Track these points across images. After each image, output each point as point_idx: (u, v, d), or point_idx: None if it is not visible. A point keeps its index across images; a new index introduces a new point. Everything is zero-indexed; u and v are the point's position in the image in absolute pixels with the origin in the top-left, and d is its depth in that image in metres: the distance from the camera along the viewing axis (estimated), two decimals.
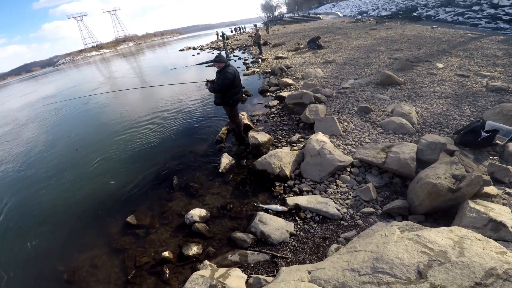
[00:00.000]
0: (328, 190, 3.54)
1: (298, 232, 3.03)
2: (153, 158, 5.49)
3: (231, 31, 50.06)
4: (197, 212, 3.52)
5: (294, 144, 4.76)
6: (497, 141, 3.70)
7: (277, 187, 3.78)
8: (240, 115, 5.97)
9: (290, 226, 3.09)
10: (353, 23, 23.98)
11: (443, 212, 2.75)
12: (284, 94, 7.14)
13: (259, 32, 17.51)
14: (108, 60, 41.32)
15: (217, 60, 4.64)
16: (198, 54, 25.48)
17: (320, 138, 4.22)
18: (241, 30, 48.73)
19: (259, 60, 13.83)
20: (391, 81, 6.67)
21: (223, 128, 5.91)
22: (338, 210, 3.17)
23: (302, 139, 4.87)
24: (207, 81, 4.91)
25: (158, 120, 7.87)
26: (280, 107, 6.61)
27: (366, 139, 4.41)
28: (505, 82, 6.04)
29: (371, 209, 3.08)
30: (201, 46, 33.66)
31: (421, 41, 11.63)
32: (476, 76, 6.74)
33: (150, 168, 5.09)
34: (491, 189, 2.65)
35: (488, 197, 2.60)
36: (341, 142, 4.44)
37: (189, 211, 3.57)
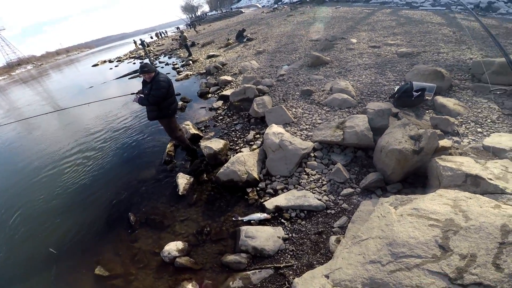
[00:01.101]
0: (301, 182, 3.30)
1: (290, 235, 2.71)
2: (95, 197, 4.40)
3: (151, 37, 46.10)
4: (173, 247, 2.87)
5: (252, 143, 4.39)
6: (427, 97, 4.02)
7: (250, 194, 3.37)
8: (182, 126, 5.28)
9: (279, 231, 2.75)
10: (272, 12, 24.66)
11: (413, 175, 2.78)
12: (227, 92, 6.64)
13: (185, 34, 16.29)
14: (3, 89, 33.25)
15: (145, 71, 3.85)
16: (116, 66, 22.49)
17: (276, 131, 3.93)
18: (162, 35, 45.32)
19: (190, 62, 12.85)
20: (320, 61, 6.82)
21: (168, 145, 5.11)
22: (319, 200, 2.96)
23: (258, 135, 4.53)
24: (135, 93, 4.08)
25: (87, 149, 6.33)
26: (226, 107, 6.12)
27: (317, 120, 4.32)
28: (409, 48, 6.79)
29: (350, 189, 2.95)
30: (119, 57, 29.90)
31: (331, 21, 12.44)
32: (385, 45, 7.43)
33: (95, 209, 4.06)
34: (445, 142, 2.77)
35: (446, 150, 2.70)
36: (296, 129, 4.26)
37: (162, 247, 2.91)
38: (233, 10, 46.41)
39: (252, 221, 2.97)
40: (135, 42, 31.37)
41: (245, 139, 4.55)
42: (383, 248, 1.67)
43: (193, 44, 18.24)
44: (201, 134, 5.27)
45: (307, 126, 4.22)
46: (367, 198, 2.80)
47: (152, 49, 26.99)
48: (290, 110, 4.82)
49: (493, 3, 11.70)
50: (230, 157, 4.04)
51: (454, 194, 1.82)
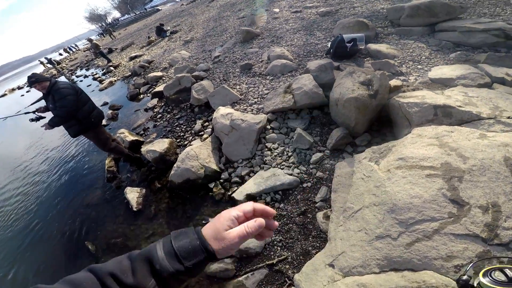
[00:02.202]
0: (266, 160, 2.83)
1: None
2: (42, 234, 3.45)
3: (60, 54, 38.89)
4: None
5: (202, 133, 3.71)
6: (360, 47, 3.86)
7: (214, 189, 2.78)
8: (117, 135, 4.28)
9: None
10: (192, 3, 22.66)
11: (377, 122, 2.54)
12: (160, 88, 5.66)
13: (95, 41, 13.80)
14: None
15: (33, 81, 2.79)
16: (28, 92, 18.41)
17: (224, 112, 3.33)
18: (73, 50, 38.68)
19: (112, 68, 10.95)
20: (251, 35, 6.28)
21: (107, 161, 4.09)
22: (290, 174, 2.54)
23: (207, 123, 3.86)
24: (34, 112, 2.99)
25: (17, 188, 4.90)
26: (162, 103, 5.19)
27: (264, 91, 3.84)
28: (327, 7, 6.69)
29: (319, 154, 2.59)
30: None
31: None
32: (305, 9, 7.22)
33: (47, 247, 3.20)
34: (395, 82, 2.57)
35: (398, 89, 2.51)
36: (245, 105, 3.72)
37: None
38: (148, 9, 41.88)
39: None
40: (42, 63, 25.91)
41: (193, 131, 3.84)
42: (386, 218, 1.29)
43: (110, 51, 15.79)
44: (141, 139, 4.34)
45: (256, 100, 3.72)
46: (340, 159, 2.48)
47: (64, 65, 22.71)
48: (234, 88, 4.22)
49: None
50: None
51: (432, 130, 1.55)
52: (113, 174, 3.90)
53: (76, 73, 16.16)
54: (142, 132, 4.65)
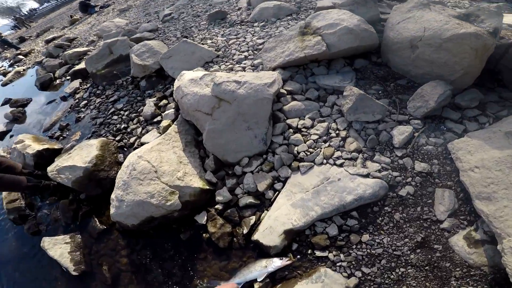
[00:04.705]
0: (299, 151, 1.41)
1: (364, 277, 1.14)
2: None
3: None
4: None
5: (159, 118, 2.06)
6: None
7: (210, 227, 1.30)
8: (13, 146, 2.40)
9: (337, 279, 0.89)
10: None
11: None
12: (81, 65, 3.70)
13: None
14: None
15: None
16: None
17: (194, 76, 1.79)
18: None
19: (21, 57, 8.12)
20: None
21: (4, 202, 2.18)
22: (366, 175, 1.25)
23: (165, 100, 2.21)
24: None
25: None
26: (88, 84, 3.30)
27: (256, 41, 2.34)
28: None
29: (405, 128, 1.34)
30: None
31: None
32: None
33: None
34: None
35: None
36: (228, 63, 2.19)
37: None
38: None
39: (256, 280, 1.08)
40: None
41: (141, 118, 2.16)
42: None
43: (22, 40, 12.37)
44: (56, 146, 2.48)
45: (246, 54, 2.20)
46: (444, 133, 1.34)
47: None
48: (204, 43, 2.61)
49: None
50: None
51: None
52: (20, 212, 2.08)
53: None
54: (58, 133, 2.76)
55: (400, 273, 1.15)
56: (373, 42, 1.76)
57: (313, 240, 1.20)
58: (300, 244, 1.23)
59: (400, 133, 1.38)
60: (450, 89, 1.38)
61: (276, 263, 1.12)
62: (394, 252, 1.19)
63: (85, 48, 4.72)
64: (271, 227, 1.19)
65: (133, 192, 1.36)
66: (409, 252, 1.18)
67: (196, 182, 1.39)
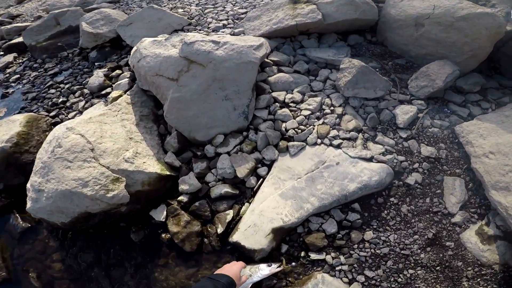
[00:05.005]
0: (287, 129, 1.13)
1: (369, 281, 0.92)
2: None
3: None
4: None
5: (108, 90, 1.60)
6: None
7: (171, 225, 0.98)
8: None
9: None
10: None
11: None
12: (19, 40, 3.03)
13: None
14: None
15: None
16: None
17: (158, 38, 1.42)
18: None
19: None
20: None
21: None
22: (369, 159, 1.06)
23: (118, 70, 1.77)
24: None
25: None
26: (24, 59, 2.67)
27: (238, 11, 2.02)
28: None
29: (409, 108, 1.19)
30: None
31: None
32: None
33: None
34: None
35: None
36: (204, 32, 1.84)
37: None
38: None
39: None
40: None
41: (85, 91, 1.69)
42: None
43: None
44: None
45: (224, 22, 1.87)
46: (448, 115, 1.24)
47: None
48: (175, 12, 2.21)
49: None
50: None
51: None
52: None
53: None
54: None
55: (408, 275, 0.95)
56: (372, 17, 1.57)
57: (308, 240, 0.93)
58: (291, 245, 0.94)
59: (404, 113, 1.18)
60: (459, 69, 1.23)
61: (264, 271, 0.82)
62: (402, 252, 0.98)
63: (29, 24, 3.96)
64: (256, 225, 0.89)
65: (57, 179, 0.95)
66: (419, 251, 0.98)
67: (152, 166, 1.02)
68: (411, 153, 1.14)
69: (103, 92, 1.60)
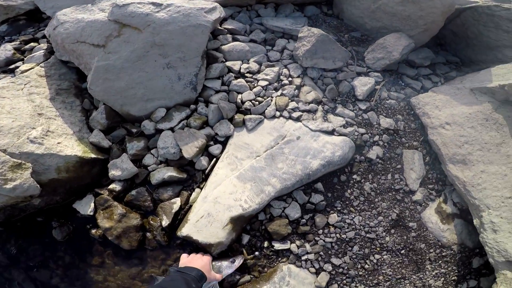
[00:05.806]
0: (243, 101, 1.01)
1: (335, 270, 0.89)
2: None
3: None
4: None
5: (19, 64, 1.24)
6: None
7: (102, 219, 0.82)
8: None
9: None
10: None
11: None
12: None
13: None
14: None
15: None
16: None
17: (84, 5, 1.14)
18: None
19: None
20: None
21: None
22: (331, 132, 1.00)
23: (33, 43, 1.37)
24: None
25: None
26: None
27: None
28: None
29: (367, 79, 1.17)
30: None
31: None
32: None
33: None
34: None
35: None
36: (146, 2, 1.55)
37: None
38: None
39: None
40: None
41: None
42: None
43: None
44: None
45: None
46: (404, 88, 1.24)
47: None
48: None
49: None
50: None
51: None
52: None
53: None
54: None
55: (375, 261, 0.93)
56: None
57: (270, 228, 0.83)
58: (252, 235, 0.83)
59: (362, 84, 1.13)
60: (414, 42, 1.22)
61: (227, 269, 0.70)
62: (368, 235, 0.95)
63: None
64: (210, 215, 0.77)
65: None
66: (384, 233, 0.97)
67: (71, 147, 0.80)
68: (371, 125, 1.10)
69: (12, 66, 1.25)
